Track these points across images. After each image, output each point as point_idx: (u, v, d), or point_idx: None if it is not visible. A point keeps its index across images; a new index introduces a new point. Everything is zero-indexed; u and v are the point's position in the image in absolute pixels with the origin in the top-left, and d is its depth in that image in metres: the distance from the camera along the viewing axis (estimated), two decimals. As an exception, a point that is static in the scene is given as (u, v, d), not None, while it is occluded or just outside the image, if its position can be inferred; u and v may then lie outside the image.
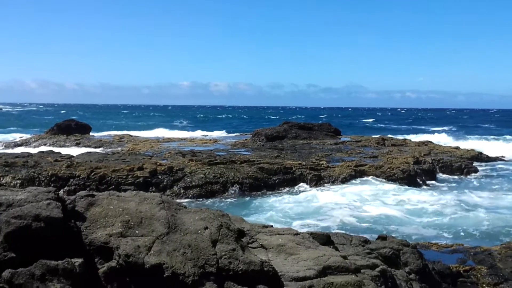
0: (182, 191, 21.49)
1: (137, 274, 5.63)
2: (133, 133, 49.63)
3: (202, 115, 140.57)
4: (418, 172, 25.31)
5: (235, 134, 52.38)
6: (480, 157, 30.80)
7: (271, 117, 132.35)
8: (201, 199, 20.99)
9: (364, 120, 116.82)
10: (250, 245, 6.96)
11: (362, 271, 7.08)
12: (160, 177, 22.17)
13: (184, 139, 41.97)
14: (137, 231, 5.98)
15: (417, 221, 17.44)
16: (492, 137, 54.82)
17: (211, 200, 20.82)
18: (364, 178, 24.12)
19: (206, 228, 6.27)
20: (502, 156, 34.43)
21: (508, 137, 55.81)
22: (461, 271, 10.09)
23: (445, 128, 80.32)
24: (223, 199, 20.99)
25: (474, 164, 29.16)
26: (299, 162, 25.28)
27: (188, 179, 22.01)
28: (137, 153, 29.29)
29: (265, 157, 26.89)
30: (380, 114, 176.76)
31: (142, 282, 5.63)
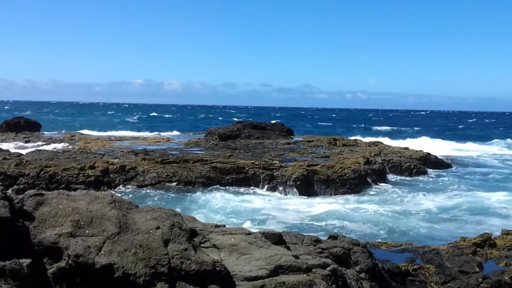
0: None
1: (87, 274, 5.55)
2: (85, 131, 48.90)
3: (155, 114, 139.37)
4: (369, 172, 25.69)
5: (189, 133, 52.13)
6: (429, 157, 31.42)
7: (225, 116, 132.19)
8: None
9: (319, 123, 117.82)
10: (202, 245, 6.94)
11: (313, 270, 7.13)
12: (112, 176, 21.92)
13: (137, 137, 41.57)
14: (87, 231, 5.90)
15: (367, 221, 17.71)
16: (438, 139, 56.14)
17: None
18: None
19: (158, 227, 6.23)
20: (449, 156, 35.30)
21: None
22: (410, 270, 10.27)
23: (394, 128, 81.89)
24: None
25: (423, 164, 29.77)
26: (252, 161, 25.32)
27: (140, 178, 21.83)
28: (88, 151, 28.85)
29: (218, 156, 26.86)
30: (334, 115, 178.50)
31: (92, 283, 5.56)
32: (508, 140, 58.08)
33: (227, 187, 22.61)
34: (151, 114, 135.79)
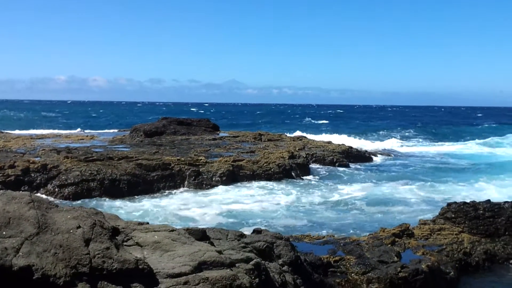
0: (57, 189, 20.78)
1: (4, 277, 5.43)
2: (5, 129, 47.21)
3: (80, 110, 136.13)
4: (293, 166, 26.09)
5: (113, 130, 51.24)
6: (351, 151, 32.17)
7: (151, 113, 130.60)
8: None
9: (246, 118, 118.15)
10: (125, 243, 6.90)
11: (237, 265, 7.22)
12: (33, 175, 21.31)
13: (59, 135, 40.43)
14: (4, 232, 5.76)
15: (290, 214, 18.01)
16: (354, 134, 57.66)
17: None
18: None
19: (79, 227, 6.16)
20: (373, 150, 36.31)
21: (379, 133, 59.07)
22: (332, 262, 10.55)
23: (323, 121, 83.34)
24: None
25: (345, 158, 30.47)
26: (178, 158, 25.21)
27: (63, 177, 21.30)
28: (8, 150, 27.86)
29: (144, 153, 26.57)
30: (260, 112, 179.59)
31: (10, 286, 5.44)
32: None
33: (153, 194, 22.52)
34: (75, 111, 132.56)
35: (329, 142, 35.38)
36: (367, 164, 31.48)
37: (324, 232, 14.43)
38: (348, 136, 51.39)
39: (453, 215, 13.61)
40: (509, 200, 14.42)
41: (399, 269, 10.22)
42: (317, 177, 26.26)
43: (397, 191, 22.55)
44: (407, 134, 61.19)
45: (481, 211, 13.38)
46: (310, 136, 44.19)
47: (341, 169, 28.48)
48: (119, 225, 7.33)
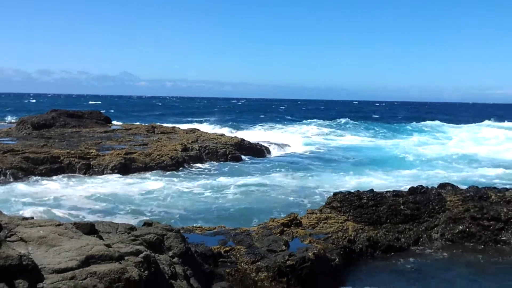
0: None
1: None
2: None
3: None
4: (186, 159, 26.14)
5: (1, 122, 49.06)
6: (243, 143, 32.59)
7: (40, 105, 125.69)
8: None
9: (141, 111, 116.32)
10: (8, 239, 6.72)
11: (126, 258, 7.20)
12: None
13: None
14: None
15: (182, 206, 18.10)
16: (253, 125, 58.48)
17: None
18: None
19: (-42, 223, 5.94)
20: (264, 142, 36.95)
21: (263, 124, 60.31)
22: (222, 252, 10.72)
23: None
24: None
25: (237, 150, 30.85)
26: (68, 150, 24.59)
27: None
28: None
29: (31, 146, 25.67)
30: (159, 103, 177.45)
31: None
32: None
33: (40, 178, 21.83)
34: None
35: (222, 135, 35.66)
36: (262, 157, 32.08)
37: (215, 223, 14.58)
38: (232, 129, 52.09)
39: (338, 204, 14.19)
40: (391, 190, 15.24)
41: (287, 257, 10.54)
42: (210, 169, 26.47)
43: (286, 182, 23.14)
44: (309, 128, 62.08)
45: (365, 200, 14.03)
46: (207, 129, 44.45)
47: (233, 161, 28.86)
48: (2, 220, 7.12)
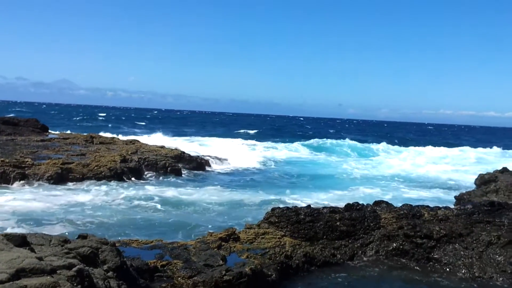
0: None
1: None
2: None
3: None
4: (125, 171, 25.80)
5: None
6: (183, 156, 32.42)
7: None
8: None
9: (79, 120, 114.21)
10: None
11: (58, 271, 7.04)
12: None
13: None
14: None
15: (119, 218, 17.84)
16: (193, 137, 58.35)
17: None
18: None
19: None
20: (204, 155, 36.87)
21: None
22: (159, 266, 10.60)
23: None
24: None
25: (177, 162, 30.67)
26: (2, 159, 23.87)
27: None
28: None
29: (-38, 153, 24.82)
30: (100, 113, 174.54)
31: None
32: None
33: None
34: None
35: (162, 147, 35.38)
36: (202, 170, 32.03)
37: (153, 237, 14.42)
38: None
39: (276, 220, 14.26)
40: (328, 205, 15.43)
41: (224, 272, 10.51)
42: (149, 181, 26.24)
43: (227, 196, 23.15)
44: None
45: (302, 216, 14.15)
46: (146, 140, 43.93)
47: (173, 174, 28.72)
48: None
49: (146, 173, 28.04)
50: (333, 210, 14.74)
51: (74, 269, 7.33)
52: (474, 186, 28.42)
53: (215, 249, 11.98)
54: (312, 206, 15.05)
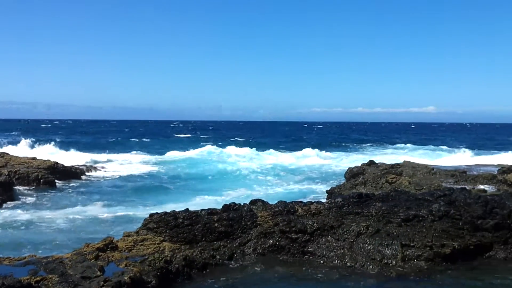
0: None
1: None
2: None
3: None
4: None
5: None
6: (56, 167, 31.39)
7: None
8: None
9: None
10: None
11: None
12: None
13: None
14: None
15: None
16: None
17: None
18: None
19: None
20: (78, 165, 35.92)
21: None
22: (33, 283, 10.25)
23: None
24: None
25: (51, 174, 29.66)
26: None
27: None
28: None
29: None
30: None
31: None
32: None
33: None
34: None
35: (34, 158, 34.02)
36: (77, 180, 31.16)
37: (26, 253, 13.93)
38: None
39: (155, 225, 14.23)
40: (206, 208, 15.59)
41: (102, 283, 10.35)
42: (20, 196, 25.22)
43: (92, 206, 22.72)
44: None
45: (181, 220, 14.22)
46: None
47: (46, 186, 27.75)
48: None
49: (17, 187, 26.89)
50: (211, 211, 14.93)
51: None
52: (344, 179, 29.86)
53: (93, 260, 11.77)
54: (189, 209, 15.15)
